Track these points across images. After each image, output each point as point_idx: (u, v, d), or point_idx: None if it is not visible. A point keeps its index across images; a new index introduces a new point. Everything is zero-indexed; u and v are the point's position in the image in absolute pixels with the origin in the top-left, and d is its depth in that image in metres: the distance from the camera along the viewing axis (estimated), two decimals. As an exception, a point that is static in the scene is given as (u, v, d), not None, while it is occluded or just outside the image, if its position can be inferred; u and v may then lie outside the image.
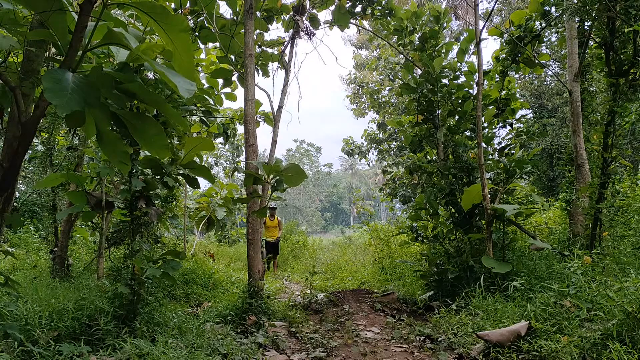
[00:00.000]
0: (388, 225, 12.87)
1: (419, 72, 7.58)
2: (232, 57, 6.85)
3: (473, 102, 6.41)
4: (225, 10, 25.57)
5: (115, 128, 2.33)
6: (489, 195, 5.60)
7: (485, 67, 8.13)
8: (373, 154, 19.63)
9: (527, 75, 18.38)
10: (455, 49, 7.58)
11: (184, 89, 1.85)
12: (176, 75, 1.93)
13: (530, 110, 19.03)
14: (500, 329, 3.71)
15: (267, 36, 13.73)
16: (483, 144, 5.92)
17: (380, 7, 7.56)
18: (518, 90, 18.14)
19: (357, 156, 20.46)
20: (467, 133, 6.89)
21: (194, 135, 7.14)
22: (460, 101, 6.71)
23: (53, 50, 3.78)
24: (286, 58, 6.83)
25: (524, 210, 5.63)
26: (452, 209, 6.42)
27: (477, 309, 4.49)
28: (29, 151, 4.32)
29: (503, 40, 6.93)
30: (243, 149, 16.73)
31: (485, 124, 6.88)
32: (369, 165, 32.01)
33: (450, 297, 5.32)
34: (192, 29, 6.66)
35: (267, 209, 10.86)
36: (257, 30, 6.95)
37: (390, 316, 5.52)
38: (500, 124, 7.18)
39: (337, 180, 76.58)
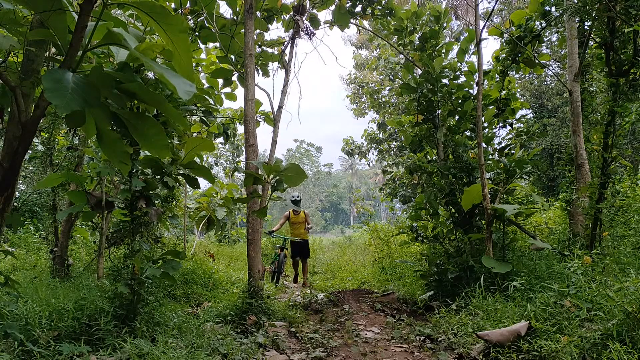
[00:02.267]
0: (388, 225, 12.89)
1: (419, 72, 7.58)
2: (232, 57, 6.86)
3: (473, 102, 6.41)
4: (225, 10, 25.54)
5: (115, 128, 2.33)
6: (489, 195, 5.59)
7: (485, 67, 8.12)
8: (373, 154, 19.63)
9: (527, 75, 18.39)
10: (455, 49, 7.58)
11: (183, 90, 1.84)
12: (176, 76, 1.92)
13: (530, 110, 19.04)
14: (500, 329, 3.70)
15: (267, 36, 13.71)
16: (483, 144, 5.92)
17: (380, 7, 7.56)
18: (518, 90, 18.15)
19: (357, 156, 20.46)
20: (467, 133, 6.88)
21: (194, 135, 7.13)
22: (460, 101, 6.70)
23: (53, 50, 3.78)
24: (286, 58, 6.83)
25: (524, 210, 5.62)
26: (452, 209, 6.41)
27: (477, 309, 4.48)
28: (29, 151, 4.31)
29: (503, 40, 6.93)
30: (243, 148, 16.71)
31: (485, 124, 6.88)
32: (369, 165, 31.99)
33: (450, 297, 5.32)
34: (192, 28, 6.66)
35: (292, 203, 8.61)
36: (257, 30, 6.95)
37: (390, 316, 5.52)
38: (500, 124, 7.18)
39: (337, 180, 76.57)
